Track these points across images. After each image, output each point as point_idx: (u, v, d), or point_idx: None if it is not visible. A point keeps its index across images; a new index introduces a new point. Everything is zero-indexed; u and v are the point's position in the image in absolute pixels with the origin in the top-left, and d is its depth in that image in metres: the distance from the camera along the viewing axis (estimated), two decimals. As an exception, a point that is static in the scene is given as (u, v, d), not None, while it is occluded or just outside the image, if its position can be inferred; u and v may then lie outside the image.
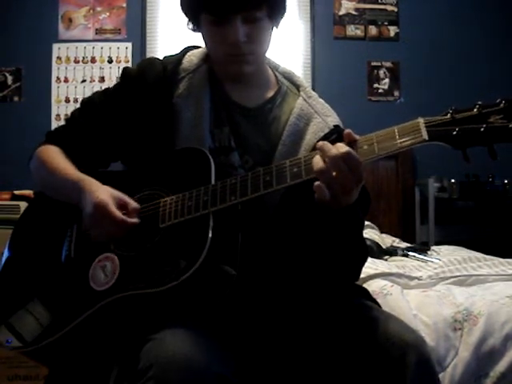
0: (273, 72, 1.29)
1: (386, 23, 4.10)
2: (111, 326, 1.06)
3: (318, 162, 0.96)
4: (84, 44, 4.03)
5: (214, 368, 0.92)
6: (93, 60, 4.03)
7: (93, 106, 1.27)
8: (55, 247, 1.18)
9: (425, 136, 0.92)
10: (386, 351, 1.00)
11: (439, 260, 2.21)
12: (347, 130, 0.99)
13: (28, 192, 2.58)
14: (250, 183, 1.03)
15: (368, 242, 2.28)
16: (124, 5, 4.06)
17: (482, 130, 0.91)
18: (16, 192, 2.66)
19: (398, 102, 4.06)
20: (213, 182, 1.07)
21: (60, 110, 3.99)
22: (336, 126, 1.22)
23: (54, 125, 3.85)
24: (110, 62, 4.03)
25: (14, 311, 1.14)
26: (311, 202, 1.01)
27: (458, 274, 1.96)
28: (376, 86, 4.07)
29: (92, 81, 4.02)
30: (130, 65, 3.94)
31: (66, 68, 4.02)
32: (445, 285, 1.86)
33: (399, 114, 3.80)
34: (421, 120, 0.94)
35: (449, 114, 0.93)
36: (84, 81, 4.02)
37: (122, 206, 1.09)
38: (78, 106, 1.31)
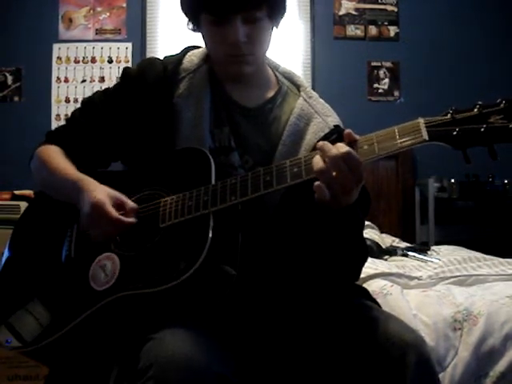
0: (273, 72, 1.29)
1: (386, 23, 4.10)
2: (111, 326, 1.06)
3: (318, 161, 0.96)
4: (84, 44, 4.04)
5: (214, 368, 0.92)
6: (93, 60, 4.03)
7: (93, 105, 1.27)
8: (55, 247, 1.18)
9: (425, 136, 0.92)
10: (386, 351, 1.00)
11: (439, 260, 2.20)
12: (347, 130, 0.99)
13: (28, 192, 2.58)
14: (250, 183, 1.03)
15: (368, 242, 2.28)
16: (124, 5, 4.06)
17: (483, 130, 0.91)
18: (16, 192, 2.66)
19: (397, 102, 4.07)
20: (213, 181, 1.07)
21: (60, 110, 3.99)
22: (336, 126, 1.22)
23: (54, 125, 3.86)
24: (110, 62, 4.03)
25: (14, 311, 1.14)
26: (311, 202, 1.01)
27: (457, 273, 1.95)
28: (376, 85, 4.08)
29: (92, 81, 4.02)
30: (130, 65, 3.94)
31: (66, 68, 4.03)
32: (445, 285, 1.86)
33: (399, 113, 3.80)
34: (421, 120, 0.94)
35: (449, 115, 0.93)
36: (84, 81, 4.02)
37: (119, 205, 1.09)
38: (78, 106, 1.31)
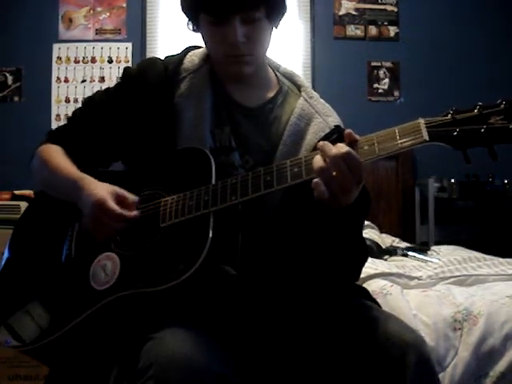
0: (274, 72, 1.29)
1: (385, 23, 4.10)
2: (111, 325, 1.06)
3: (318, 161, 0.96)
4: (84, 44, 4.04)
5: (214, 367, 0.93)
6: (93, 60, 4.03)
7: (94, 105, 1.27)
8: (55, 247, 1.18)
9: (425, 137, 0.93)
10: (386, 351, 1.00)
11: (439, 260, 2.21)
12: (348, 130, 1.00)
13: (28, 192, 2.58)
14: (251, 183, 1.03)
15: (368, 242, 2.28)
16: (124, 5, 4.06)
17: (483, 130, 0.91)
18: (16, 192, 2.66)
19: (397, 102, 4.07)
20: (213, 181, 1.07)
21: (60, 110, 3.99)
22: (337, 126, 1.22)
23: (54, 125, 3.86)
24: (110, 62, 4.03)
25: (14, 311, 1.14)
26: (311, 202, 1.01)
27: (457, 273, 1.96)
28: (376, 86, 4.07)
29: (92, 81, 4.02)
30: (130, 65, 3.94)
31: (66, 68, 4.02)
32: (445, 285, 1.87)
33: (399, 114, 3.81)
34: (421, 120, 0.95)
35: (449, 115, 0.94)
36: (84, 81, 4.02)
37: (120, 201, 1.09)
38: (78, 106, 1.31)
